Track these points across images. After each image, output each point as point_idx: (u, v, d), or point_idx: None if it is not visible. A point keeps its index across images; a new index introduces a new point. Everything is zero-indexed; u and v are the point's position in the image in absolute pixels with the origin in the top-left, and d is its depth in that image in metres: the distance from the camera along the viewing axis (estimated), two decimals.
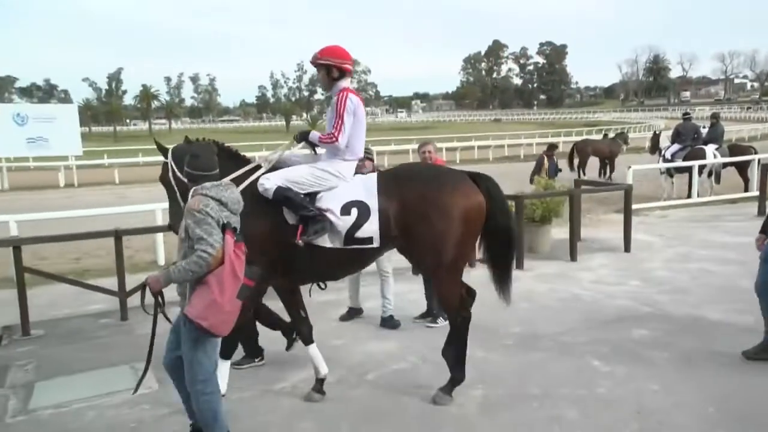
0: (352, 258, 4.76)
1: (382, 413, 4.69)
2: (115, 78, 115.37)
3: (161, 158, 4.68)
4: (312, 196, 4.62)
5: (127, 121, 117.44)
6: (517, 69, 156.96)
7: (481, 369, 5.40)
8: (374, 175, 4.86)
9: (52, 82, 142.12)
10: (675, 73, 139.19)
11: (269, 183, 4.52)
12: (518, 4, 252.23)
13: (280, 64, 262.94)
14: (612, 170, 20.56)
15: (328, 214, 4.53)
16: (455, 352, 4.88)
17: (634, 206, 10.66)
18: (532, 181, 12.14)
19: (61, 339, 6.55)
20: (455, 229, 4.59)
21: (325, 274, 5.03)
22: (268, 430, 4.51)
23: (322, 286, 5.26)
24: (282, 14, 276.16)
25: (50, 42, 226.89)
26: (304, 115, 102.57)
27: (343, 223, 4.54)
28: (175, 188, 4.55)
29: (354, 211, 4.55)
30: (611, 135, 23.68)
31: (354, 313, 6.95)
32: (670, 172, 15.35)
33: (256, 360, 5.63)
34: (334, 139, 4.68)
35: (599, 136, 26.90)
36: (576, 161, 20.41)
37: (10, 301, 6.93)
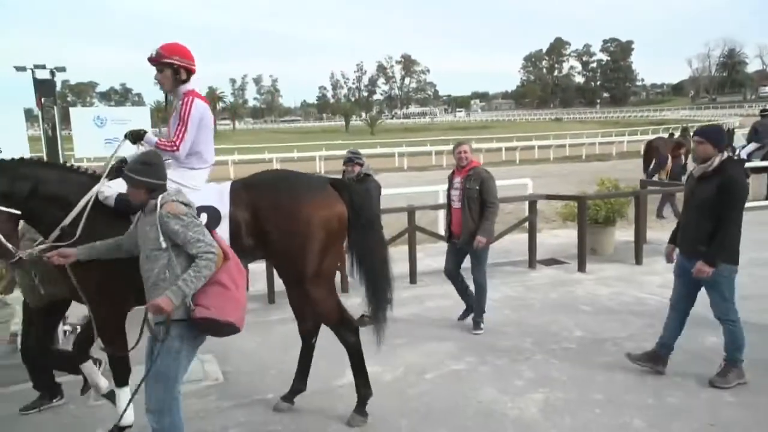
0: None
1: (441, 412, 4.67)
2: None
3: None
4: None
5: None
6: (579, 67, 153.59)
7: (541, 372, 5.32)
8: (228, 183, 4.53)
9: (128, 86, 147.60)
10: (753, 67, 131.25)
11: (109, 191, 4.14)
12: (581, 1, 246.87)
13: (340, 65, 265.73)
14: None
15: None
16: (354, 369, 4.66)
17: None
18: (650, 177, 11.53)
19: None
20: (314, 241, 4.34)
21: None
22: (328, 425, 4.55)
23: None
24: (342, 15, 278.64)
25: (127, 47, 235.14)
26: (363, 114, 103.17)
27: None
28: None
29: (203, 216, 4.13)
30: (676, 134, 22.80)
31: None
32: (746, 173, 14.68)
33: (55, 400, 5.11)
34: (175, 147, 4.34)
35: (665, 135, 25.99)
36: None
37: None
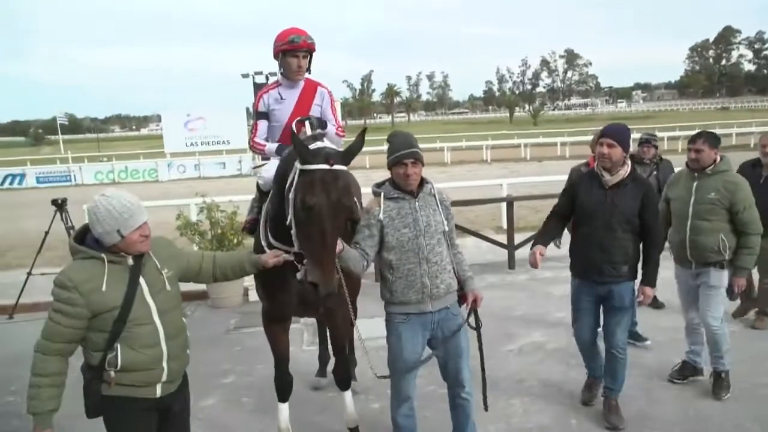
0: None
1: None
2: (366, 79, 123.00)
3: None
4: None
5: (374, 114, 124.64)
6: (750, 55, 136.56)
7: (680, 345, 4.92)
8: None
9: None
10: None
11: (268, 174, 3.65)
12: None
13: (506, 60, 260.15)
14: None
15: None
16: None
17: None
18: None
19: None
20: None
21: None
22: (499, 383, 4.66)
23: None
24: (508, 12, 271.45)
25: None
26: (526, 106, 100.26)
27: None
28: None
29: None
30: None
31: None
32: None
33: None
34: (344, 134, 4.07)
35: None
36: None
37: None
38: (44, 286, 7.65)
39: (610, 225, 3.74)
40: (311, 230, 2.75)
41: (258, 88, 28.74)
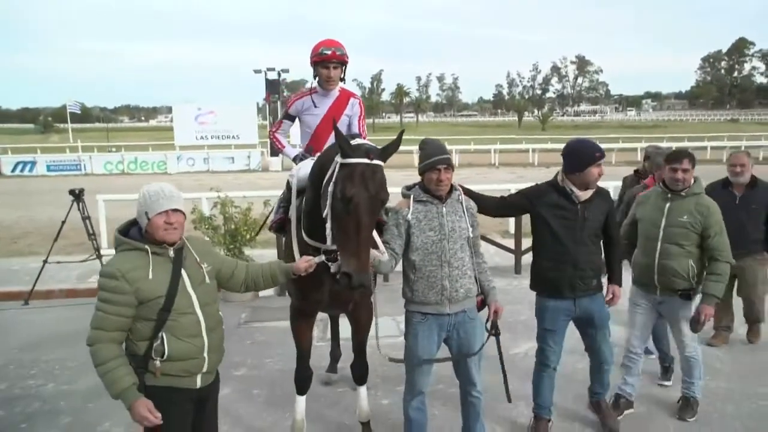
0: None
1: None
2: (376, 78, 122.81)
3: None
4: None
5: (383, 114, 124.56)
6: (762, 67, 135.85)
7: (707, 364, 5.07)
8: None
9: None
10: None
11: (305, 170, 3.62)
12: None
13: (517, 64, 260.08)
14: None
15: None
16: None
17: None
18: None
19: None
20: None
21: None
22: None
23: None
24: (517, 15, 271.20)
25: None
26: (536, 111, 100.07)
27: None
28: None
29: None
30: None
31: None
32: None
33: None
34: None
35: None
36: None
37: None
38: (58, 274, 7.85)
39: (582, 240, 3.69)
40: (348, 221, 2.80)
41: (269, 83, 29.18)
